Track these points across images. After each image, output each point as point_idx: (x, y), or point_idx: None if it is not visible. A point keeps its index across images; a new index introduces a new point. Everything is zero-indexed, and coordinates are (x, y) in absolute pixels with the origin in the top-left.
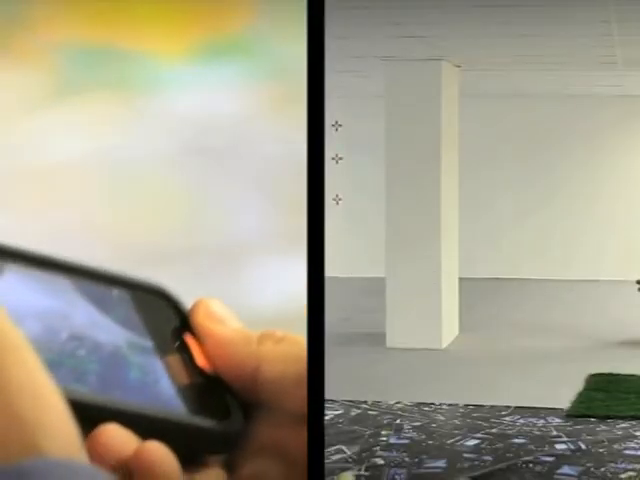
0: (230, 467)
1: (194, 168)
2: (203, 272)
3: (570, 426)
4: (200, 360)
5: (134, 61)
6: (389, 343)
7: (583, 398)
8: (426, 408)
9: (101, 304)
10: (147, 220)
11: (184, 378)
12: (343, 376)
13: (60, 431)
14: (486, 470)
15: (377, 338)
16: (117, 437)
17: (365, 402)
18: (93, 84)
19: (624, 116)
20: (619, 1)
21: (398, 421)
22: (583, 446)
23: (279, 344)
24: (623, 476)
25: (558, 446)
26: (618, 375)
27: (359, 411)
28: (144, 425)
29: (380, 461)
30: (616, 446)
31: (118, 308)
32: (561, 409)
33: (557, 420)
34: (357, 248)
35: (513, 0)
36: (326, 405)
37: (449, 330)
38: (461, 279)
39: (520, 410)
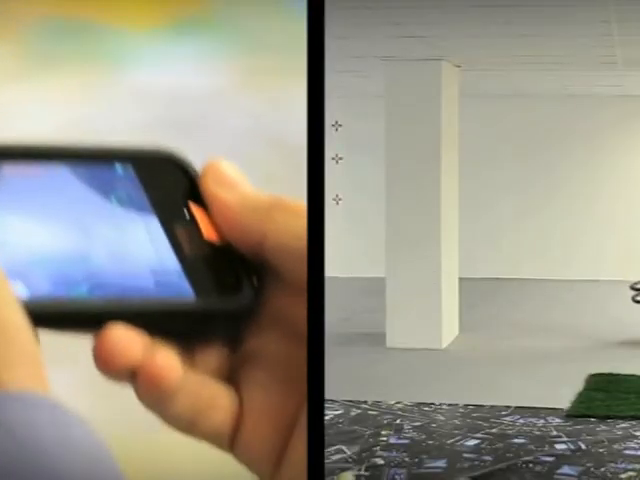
0: (233, 342)
1: (166, 141)
2: None
3: (570, 426)
4: (208, 230)
5: (105, 34)
6: (389, 343)
7: (583, 398)
8: (426, 408)
9: (103, 187)
10: None
11: (191, 253)
12: (343, 376)
13: (24, 367)
14: (486, 470)
15: (377, 338)
16: (123, 341)
17: (365, 402)
18: (64, 57)
19: (624, 116)
20: (619, 1)
21: (398, 421)
22: (583, 446)
23: (287, 215)
24: (623, 476)
25: (558, 446)
26: (618, 375)
27: (359, 411)
28: (149, 320)
29: (380, 461)
30: (616, 446)
31: (122, 186)
32: (561, 409)
33: (557, 420)
34: (357, 248)
35: (513, 0)
36: (326, 405)
37: (449, 330)
38: (461, 279)
39: (520, 410)
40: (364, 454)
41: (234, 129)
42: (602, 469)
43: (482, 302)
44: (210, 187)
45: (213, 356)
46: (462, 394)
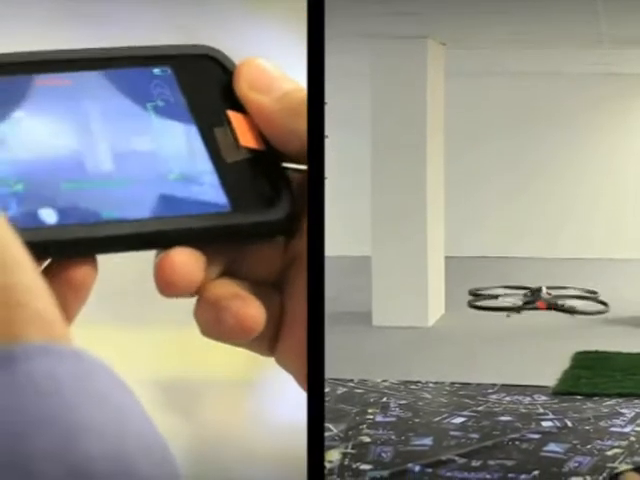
0: (278, 249)
1: None
2: None
3: (556, 404)
4: (245, 137)
5: None
6: (375, 321)
7: (569, 376)
8: (412, 386)
9: (139, 94)
10: None
11: (229, 163)
12: (329, 355)
13: (39, 318)
14: (472, 448)
15: (363, 317)
16: (185, 263)
17: (351, 381)
18: None
19: (610, 95)
20: None
21: (384, 399)
22: (569, 423)
23: None
24: (609, 453)
25: (544, 423)
26: (604, 353)
27: (345, 389)
28: (189, 237)
29: (367, 439)
30: (602, 423)
31: (159, 93)
32: (547, 387)
33: (543, 398)
34: (342, 226)
35: None
36: None
37: (435, 308)
38: (447, 257)
39: (506, 388)
40: (350, 432)
41: None
42: (588, 446)
43: (468, 280)
44: (244, 90)
45: (259, 265)
46: (448, 372)
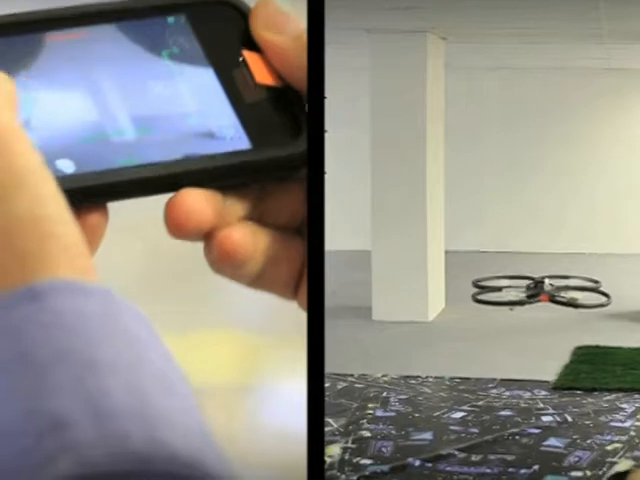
0: (300, 192)
1: None
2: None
3: (556, 398)
4: (262, 75)
5: None
6: (375, 316)
7: (569, 370)
8: (412, 381)
9: (154, 43)
10: None
11: (247, 102)
12: (330, 349)
13: (66, 260)
14: (472, 442)
15: (364, 311)
16: (195, 205)
17: (352, 375)
18: None
19: (610, 89)
20: None
21: (384, 394)
22: (569, 418)
23: None
24: (609, 448)
25: (544, 418)
26: (604, 347)
27: (345, 384)
28: (210, 177)
29: (367, 434)
30: (602, 418)
31: (174, 41)
32: (547, 381)
33: (543, 392)
34: (343, 221)
35: None
36: None
37: (435, 303)
38: (447, 252)
39: (506, 383)
40: (351, 427)
41: None
42: (588, 441)
43: (468, 275)
44: (259, 30)
45: (283, 211)
46: (448, 367)
